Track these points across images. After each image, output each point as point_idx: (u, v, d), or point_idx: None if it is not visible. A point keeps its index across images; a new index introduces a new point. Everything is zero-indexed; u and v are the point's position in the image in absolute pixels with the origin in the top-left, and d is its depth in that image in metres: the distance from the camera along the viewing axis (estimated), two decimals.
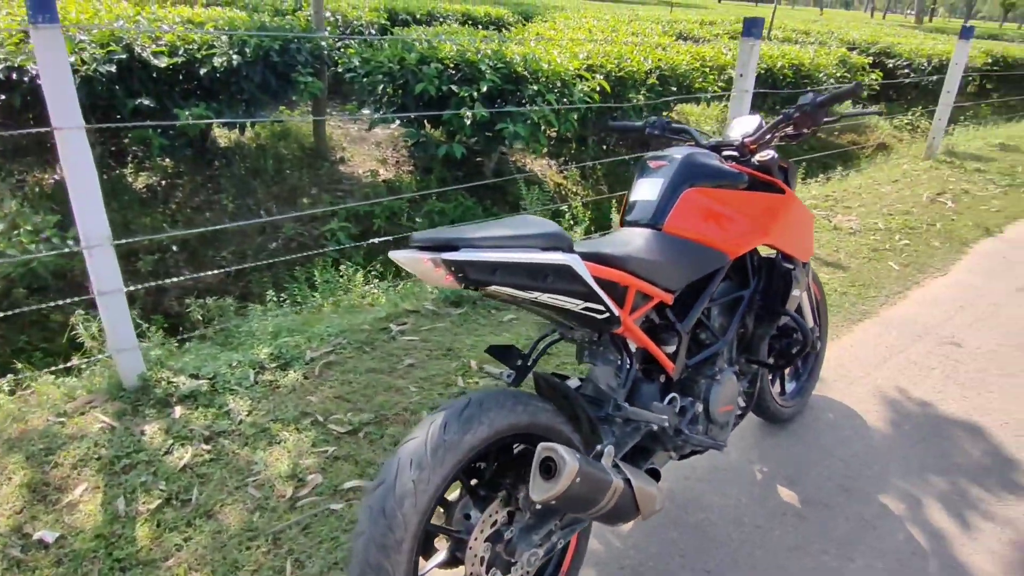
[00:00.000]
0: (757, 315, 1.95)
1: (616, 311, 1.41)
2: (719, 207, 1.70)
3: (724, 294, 1.86)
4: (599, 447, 1.38)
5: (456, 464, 1.23)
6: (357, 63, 4.93)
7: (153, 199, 4.93)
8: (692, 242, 1.64)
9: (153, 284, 2.90)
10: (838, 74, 7.75)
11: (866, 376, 2.73)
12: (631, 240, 1.55)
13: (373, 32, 7.23)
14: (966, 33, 6.21)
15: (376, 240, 3.44)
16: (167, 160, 5.22)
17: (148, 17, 4.71)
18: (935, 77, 9.92)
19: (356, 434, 2.19)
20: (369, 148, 6.35)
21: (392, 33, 6.97)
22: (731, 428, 1.89)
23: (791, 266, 1.95)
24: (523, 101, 4.96)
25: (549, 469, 1.20)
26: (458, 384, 2.48)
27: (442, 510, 1.38)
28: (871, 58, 9.96)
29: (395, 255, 1.22)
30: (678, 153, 1.73)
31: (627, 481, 1.34)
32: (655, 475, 1.63)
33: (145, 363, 2.40)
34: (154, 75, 4.50)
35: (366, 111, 4.99)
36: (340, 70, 5.15)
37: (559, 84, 5.06)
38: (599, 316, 1.39)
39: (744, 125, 2.01)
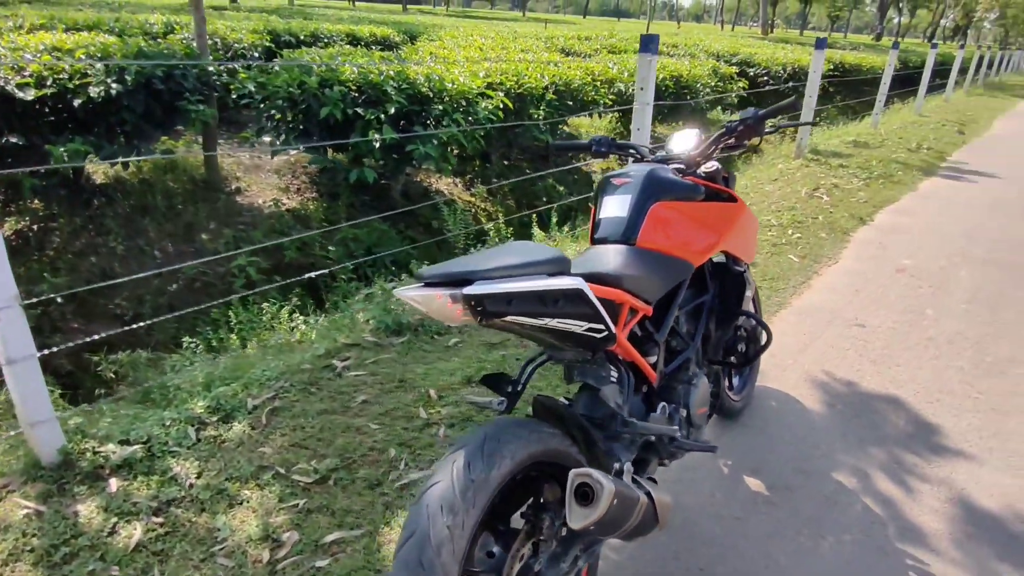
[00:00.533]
0: (717, 318, 2.05)
1: (614, 329, 1.43)
2: (683, 219, 1.77)
3: (688, 302, 1.94)
4: (617, 465, 1.40)
5: (486, 503, 1.19)
6: (252, 88, 4.69)
7: (26, 247, 4.41)
8: (663, 255, 1.70)
9: (72, 345, 2.58)
10: (712, 83, 8.36)
11: (794, 363, 2.95)
12: (613, 258, 1.58)
13: (257, 55, 6.90)
14: (820, 44, 6.91)
15: (311, 274, 3.27)
16: (35, 202, 4.70)
17: (6, 45, 4.22)
18: (791, 84, 10.96)
19: (325, 482, 2.07)
20: (266, 176, 6.05)
21: (280, 55, 6.69)
22: (705, 427, 1.97)
23: (742, 269, 2.07)
24: (428, 121, 4.93)
25: (585, 495, 1.19)
26: (420, 416, 2.41)
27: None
28: (735, 67, 10.83)
29: (403, 293, 1.18)
30: (639, 170, 1.79)
31: (648, 495, 1.36)
32: (654, 485, 1.68)
33: (64, 434, 2.13)
34: (19, 109, 4.05)
35: (266, 138, 4.75)
36: (234, 96, 4.86)
37: (464, 103, 5.09)
38: (598, 335, 1.41)
39: (684, 139, 2.12)
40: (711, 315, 2.02)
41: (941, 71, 14.40)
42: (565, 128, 7.55)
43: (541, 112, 6.08)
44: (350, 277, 4.42)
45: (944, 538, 1.96)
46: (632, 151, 2.13)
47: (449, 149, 5.06)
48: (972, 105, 13.84)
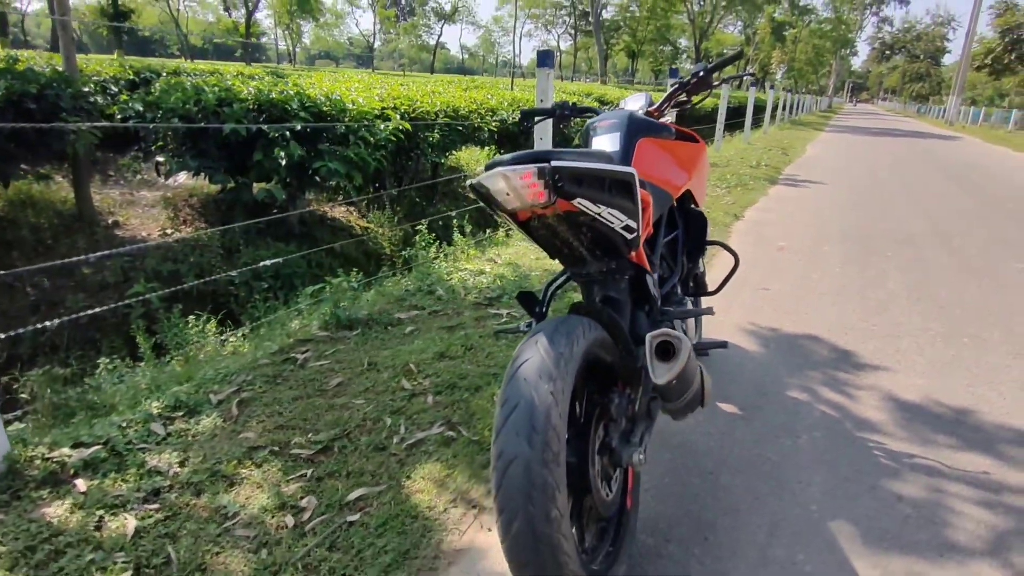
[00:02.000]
0: (688, 253, 2.27)
1: (641, 230, 1.57)
2: (664, 154, 1.97)
3: (667, 235, 2.13)
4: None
5: (576, 374, 1.26)
6: (140, 108, 4.39)
7: None
8: (652, 184, 1.88)
9: None
10: None
11: (725, 318, 3.26)
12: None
13: (120, 86, 6.43)
14: (673, 76, 7.77)
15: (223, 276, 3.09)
16: None
17: None
18: None
19: (329, 451, 1.97)
20: (143, 210, 5.59)
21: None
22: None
23: (701, 209, 2.32)
24: (331, 140, 4.90)
25: (667, 351, 1.29)
26: (405, 387, 2.37)
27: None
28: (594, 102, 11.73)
29: (480, 178, 1.24)
30: (620, 113, 1.98)
31: (700, 371, 1.49)
32: None
33: (7, 441, 1.86)
34: None
35: (160, 158, 4.44)
36: (119, 117, 4.51)
37: (365, 123, 5.12)
38: (629, 235, 1.53)
39: (636, 100, 2.36)
40: (683, 250, 2.23)
41: (757, 110, 16.61)
42: (448, 161, 7.76)
43: (436, 136, 6.23)
44: (266, 297, 4.22)
45: (891, 424, 2.27)
46: (591, 113, 2.32)
47: (356, 167, 5.04)
48: (787, 136, 16.05)
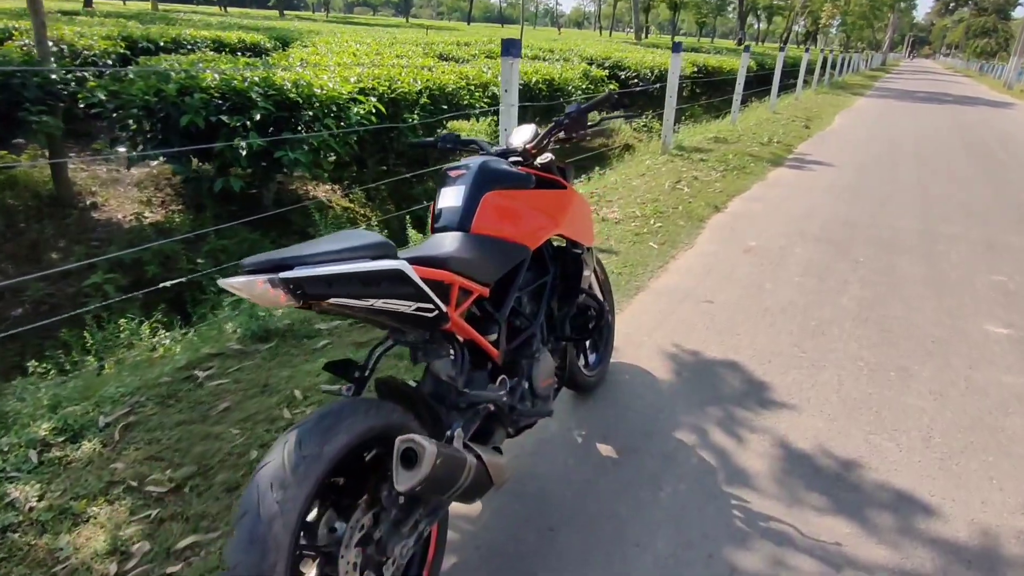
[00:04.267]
0: (559, 297, 2.21)
1: (444, 308, 1.53)
2: (515, 206, 1.91)
3: (530, 283, 2.08)
4: (448, 432, 1.50)
5: (319, 477, 1.25)
6: (103, 97, 4.43)
7: None
8: (497, 239, 1.83)
9: None
10: (583, 85, 8.75)
11: (648, 339, 3.20)
12: (446, 243, 1.69)
13: (111, 63, 6.49)
14: (676, 48, 7.44)
15: (166, 283, 3.15)
16: None
17: None
18: (658, 85, 11.65)
19: (180, 491, 2.03)
20: (126, 190, 5.71)
21: (136, 63, 6.33)
22: (553, 399, 2.12)
23: (579, 251, 2.25)
24: (298, 127, 4.87)
25: (410, 459, 1.28)
26: (284, 416, 2.41)
27: (302, 532, 1.38)
28: (607, 70, 11.39)
29: (226, 282, 1.22)
30: (473, 162, 1.91)
31: (478, 457, 1.47)
32: (498, 452, 1.80)
33: None
34: None
35: (121, 148, 4.50)
36: (82, 106, 4.57)
37: (335, 108, 5.06)
38: (429, 315, 1.51)
39: (523, 134, 2.28)
40: (553, 294, 2.17)
41: (795, 72, 15.83)
42: (442, 131, 7.65)
43: (416, 116, 6.14)
44: (221, 289, 4.29)
45: (765, 477, 2.22)
46: (475, 146, 2.25)
47: (323, 155, 5.02)
48: (819, 103, 15.30)
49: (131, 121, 4.45)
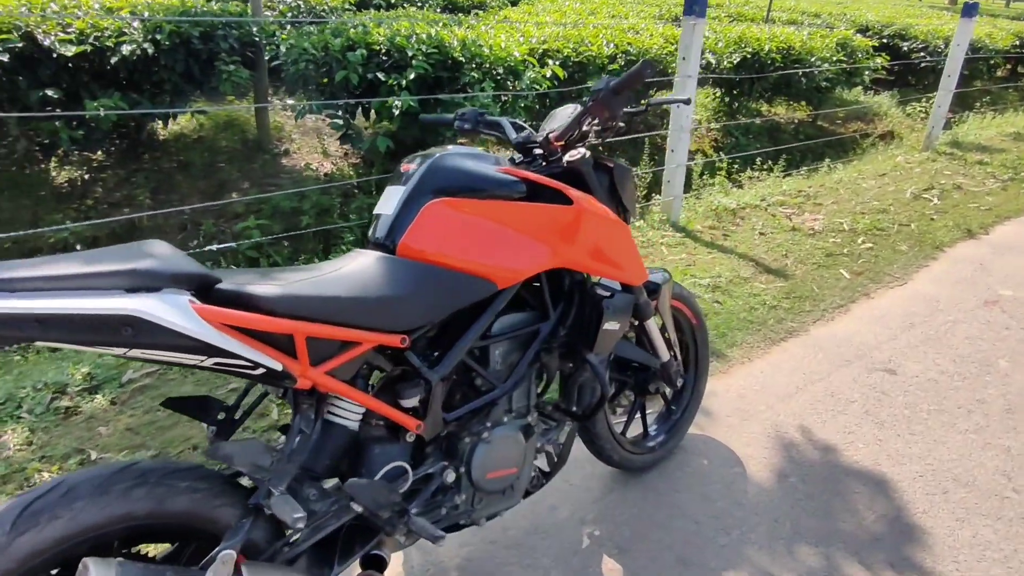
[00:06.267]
0: (563, 355, 1.58)
1: (276, 365, 1.07)
2: (477, 223, 1.33)
3: (511, 329, 1.49)
4: (216, 550, 1.05)
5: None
6: (283, 51, 4.62)
7: (71, 194, 4.71)
8: (436, 268, 1.28)
9: None
10: (834, 57, 7.17)
11: (768, 410, 2.33)
12: (326, 270, 1.20)
13: (342, 14, 6.90)
14: (969, 11, 5.62)
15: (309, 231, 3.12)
16: (99, 152, 5.01)
17: (59, 3, 4.46)
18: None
19: None
20: (320, 140, 6.05)
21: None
22: (519, 496, 1.53)
23: (607, 294, 1.58)
24: (459, 88, 4.60)
25: None
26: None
27: None
28: (884, 40, 9.30)
29: None
30: (425, 159, 1.37)
31: None
32: (379, 564, 1.30)
33: None
34: (66, 64, 4.26)
35: (290, 100, 4.68)
36: (267, 58, 4.84)
37: (502, 70, 4.69)
38: (253, 372, 1.06)
39: (559, 118, 1.65)
40: (550, 351, 1.55)
41: None
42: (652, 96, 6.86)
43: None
44: (350, 245, 4.27)
45: None
46: (499, 128, 1.69)
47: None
48: None
49: (299, 74, 4.58)
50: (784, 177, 5.30)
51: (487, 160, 1.40)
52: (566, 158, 1.55)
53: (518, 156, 1.63)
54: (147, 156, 5.12)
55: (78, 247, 4.21)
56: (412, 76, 4.33)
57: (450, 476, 1.37)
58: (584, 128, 1.53)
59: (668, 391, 2.02)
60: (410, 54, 4.38)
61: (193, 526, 1.10)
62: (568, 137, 1.54)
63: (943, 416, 2.32)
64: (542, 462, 1.65)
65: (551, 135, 1.56)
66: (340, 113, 4.63)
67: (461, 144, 1.58)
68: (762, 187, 4.88)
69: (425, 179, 1.33)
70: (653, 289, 1.79)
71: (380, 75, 4.37)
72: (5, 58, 3.87)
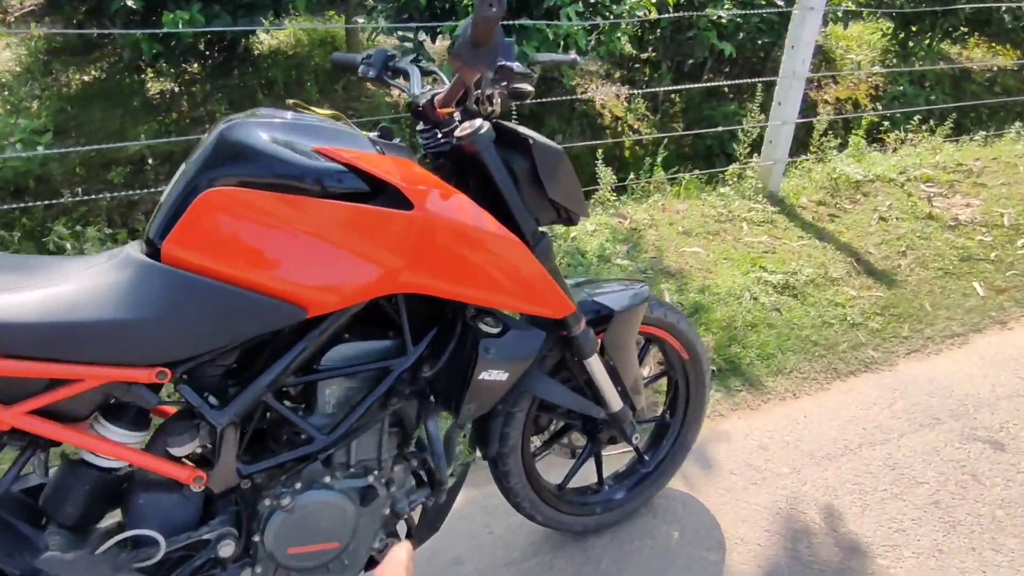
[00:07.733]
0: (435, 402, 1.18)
1: None
2: (270, 224, 0.95)
3: (349, 364, 1.11)
4: None
5: None
6: None
7: (159, 106, 4.82)
8: (208, 281, 0.94)
9: None
10: None
11: (791, 475, 1.76)
12: (53, 279, 0.91)
13: None
14: None
15: None
16: (194, 65, 5.07)
17: None
18: None
19: None
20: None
21: None
22: (355, 571, 1.19)
23: (492, 330, 1.13)
24: (546, 12, 4.03)
25: None
26: None
27: None
28: None
29: None
30: (232, 120, 0.99)
31: None
32: None
33: None
34: None
35: (360, 20, 4.37)
36: None
37: None
38: None
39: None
40: (407, 394, 1.15)
41: None
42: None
43: (725, 8, 4.64)
44: None
45: None
46: (406, 80, 1.26)
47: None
48: None
49: None
50: (948, 142, 4.19)
51: (301, 134, 0.99)
52: (458, 132, 1.09)
53: (421, 126, 1.20)
54: (237, 71, 5.10)
55: (150, 161, 4.30)
56: None
57: (227, 547, 1.06)
58: (475, 91, 1.06)
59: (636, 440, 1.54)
60: None
61: None
62: (455, 101, 1.08)
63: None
64: (401, 528, 1.28)
65: (436, 98, 1.10)
66: (411, 36, 4.26)
67: (297, 103, 1.16)
68: (909, 155, 3.88)
69: (208, 156, 0.96)
70: (603, 318, 1.31)
71: None
72: None
